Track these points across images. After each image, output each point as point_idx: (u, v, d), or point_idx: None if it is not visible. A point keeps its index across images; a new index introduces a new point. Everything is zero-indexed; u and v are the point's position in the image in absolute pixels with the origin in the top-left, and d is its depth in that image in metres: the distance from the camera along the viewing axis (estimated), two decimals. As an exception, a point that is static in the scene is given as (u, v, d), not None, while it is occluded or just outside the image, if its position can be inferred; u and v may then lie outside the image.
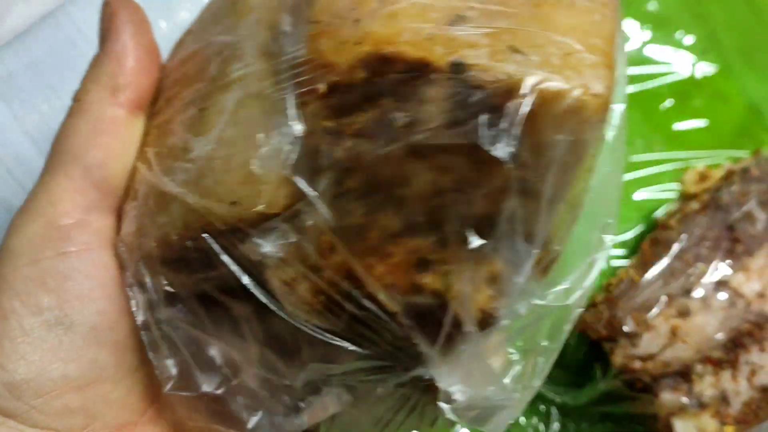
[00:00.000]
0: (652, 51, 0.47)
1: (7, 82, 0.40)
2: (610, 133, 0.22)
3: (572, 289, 0.23)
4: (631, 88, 0.46)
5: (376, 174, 0.20)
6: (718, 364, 0.35)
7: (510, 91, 0.19)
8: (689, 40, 0.47)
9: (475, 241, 0.21)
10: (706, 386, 0.35)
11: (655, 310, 0.35)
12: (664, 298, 0.35)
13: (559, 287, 0.23)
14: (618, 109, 0.22)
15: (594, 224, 0.23)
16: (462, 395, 0.23)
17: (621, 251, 0.43)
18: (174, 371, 0.26)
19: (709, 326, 0.35)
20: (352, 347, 0.23)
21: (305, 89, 0.21)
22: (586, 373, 0.40)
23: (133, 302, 0.25)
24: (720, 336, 0.35)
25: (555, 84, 0.19)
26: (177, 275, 0.25)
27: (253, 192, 0.22)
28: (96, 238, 0.25)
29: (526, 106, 0.19)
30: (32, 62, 0.41)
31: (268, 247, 0.22)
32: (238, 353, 0.25)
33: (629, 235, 0.43)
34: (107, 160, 0.25)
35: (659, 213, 0.43)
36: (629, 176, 0.44)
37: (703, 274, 0.36)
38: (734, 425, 0.34)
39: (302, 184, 0.21)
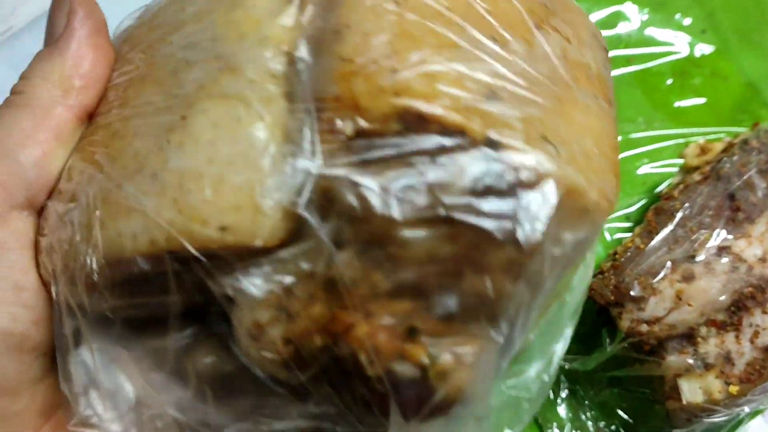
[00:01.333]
0: (652, 32, 0.48)
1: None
2: None
3: (536, 379, 0.23)
4: (633, 68, 0.47)
5: (380, 230, 0.19)
6: (721, 327, 0.36)
7: (541, 179, 0.19)
8: (688, 21, 0.48)
9: (492, 330, 0.20)
10: (711, 348, 0.36)
11: (660, 275, 0.36)
12: (668, 264, 0.36)
13: (525, 376, 0.23)
14: None
15: (563, 321, 0.24)
16: None
17: (625, 224, 0.44)
18: (83, 407, 0.23)
19: (712, 290, 0.36)
20: (301, 405, 0.22)
21: (329, 126, 0.20)
22: (593, 340, 0.41)
23: (57, 322, 0.23)
24: (723, 299, 0.36)
25: (581, 182, 0.20)
26: (116, 297, 0.22)
27: (250, 221, 0.20)
28: (14, 238, 0.23)
29: (555, 196, 0.19)
30: (52, 45, 0.42)
31: (251, 285, 0.20)
32: (156, 391, 0.23)
33: (633, 208, 0.44)
34: (46, 160, 0.23)
35: (661, 187, 0.44)
36: (632, 152, 0.46)
37: (706, 240, 0.37)
38: (738, 384, 0.35)
39: (315, 223, 0.20)
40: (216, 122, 0.21)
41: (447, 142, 0.19)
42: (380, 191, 0.19)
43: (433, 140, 0.19)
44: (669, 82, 0.47)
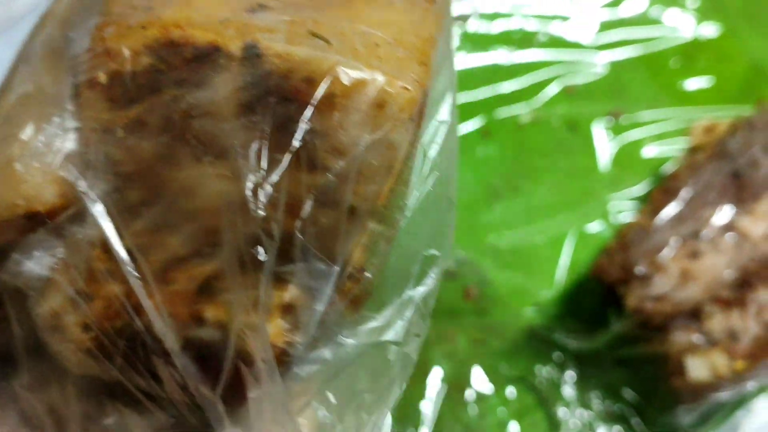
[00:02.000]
0: (657, 12, 0.48)
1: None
2: (433, 150, 0.20)
3: (388, 325, 0.20)
4: (638, 49, 0.47)
5: (159, 180, 0.18)
6: (727, 303, 0.36)
7: (305, 77, 0.17)
8: (692, 2, 0.48)
9: (259, 257, 0.18)
10: (716, 324, 0.36)
11: (665, 251, 0.36)
12: (674, 240, 0.37)
13: (370, 324, 0.20)
14: (443, 124, 0.20)
15: (416, 255, 0.21)
16: None
17: (631, 204, 0.44)
18: None
19: (717, 267, 0.36)
20: (125, 408, 0.19)
21: (88, 78, 0.19)
22: (599, 320, 0.41)
23: None
24: (728, 276, 0.36)
25: (356, 72, 0.18)
26: None
27: (13, 192, 0.19)
28: None
29: (319, 93, 0.17)
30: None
31: (30, 264, 0.18)
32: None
33: (639, 190, 0.45)
34: None
35: (667, 168, 0.45)
36: (638, 133, 0.46)
37: (710, 217, 0.37)
38: (743, 360, 0.36)
39: (73, 177, 0.18)
40: (9, 118, 0.20)
41: (201, 61, 0.18)
42: (135, 131, 0.18)
43: (187, 63, 0.18)
44: (674, 63, 0.47)
